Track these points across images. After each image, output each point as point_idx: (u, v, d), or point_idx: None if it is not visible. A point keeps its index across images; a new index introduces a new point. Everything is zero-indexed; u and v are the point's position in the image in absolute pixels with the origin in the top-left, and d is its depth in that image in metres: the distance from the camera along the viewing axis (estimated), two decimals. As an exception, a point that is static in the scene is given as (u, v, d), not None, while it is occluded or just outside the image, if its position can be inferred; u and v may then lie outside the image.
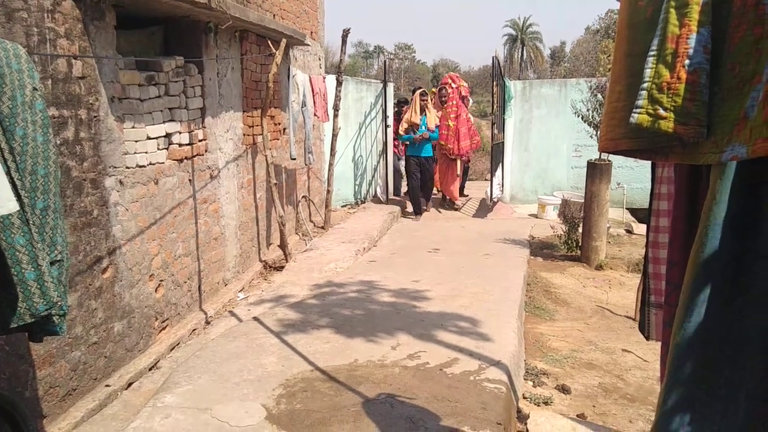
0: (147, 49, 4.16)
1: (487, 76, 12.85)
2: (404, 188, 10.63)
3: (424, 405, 2.87)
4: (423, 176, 9.09)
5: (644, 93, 1.29)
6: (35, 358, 2.87)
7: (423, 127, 8.83)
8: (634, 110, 1.31)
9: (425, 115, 8.88)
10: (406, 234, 7.87)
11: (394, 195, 10.36)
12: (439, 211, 9.43)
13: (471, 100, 10.22)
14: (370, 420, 2.72)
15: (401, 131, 9.18)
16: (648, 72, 1.29)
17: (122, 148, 3.57)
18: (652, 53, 1.29)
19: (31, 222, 2.12)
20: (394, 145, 10.19)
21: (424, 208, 9.26)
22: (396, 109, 10.14)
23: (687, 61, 1.24)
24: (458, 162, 9.44)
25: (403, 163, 10.11)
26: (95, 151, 3.31)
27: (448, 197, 9.74)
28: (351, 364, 3.36)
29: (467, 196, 10.61)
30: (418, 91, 9.20)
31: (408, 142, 9.16)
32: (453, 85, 9.49)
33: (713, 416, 1.33)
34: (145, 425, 2.68)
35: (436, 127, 8.97)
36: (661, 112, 1.27)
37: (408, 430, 2.64)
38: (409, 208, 9.54)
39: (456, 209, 9.55)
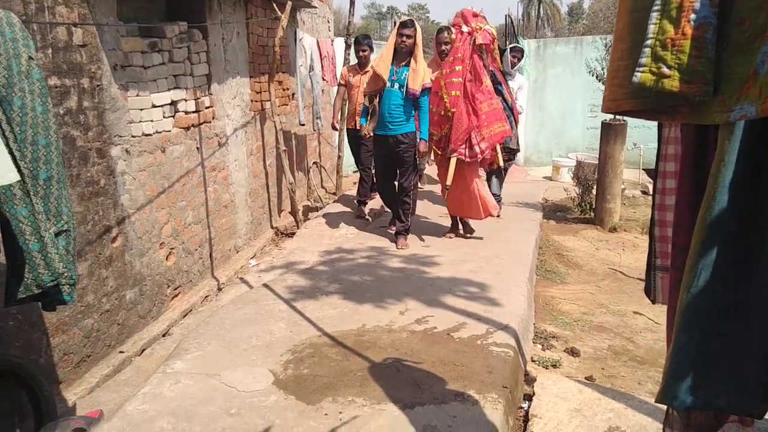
0: (149, 15, 4.10)
1: (501, 36, 8.74)
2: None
3: (430, 369, 2.89)
4: (397, 175, 5.25)
5: (647, 50, 1.23)
6: (48, 326, 2.93)
7: (395, 87, 4.93)
8: (636, 69, 1.25)
9: (406, 65, 4.90)
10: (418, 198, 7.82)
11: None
12: (449, 237, 5.45)
13: (504, 57, 5.94)
14: (377, 384, 2.75)
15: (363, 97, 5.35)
16: (651, 28, 1.22)
17: (127, 116, 3.55)
18: (656, 8, 1.22)
19: (33, 193, 2.12)
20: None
21: (399, 245, 5.13)
22: (357, 54, 6.23)
23: (692, 16, 1.18)
24: (467, 167, 5.10)
25: None
26: (100, 120, 3.30)
27: (461, 219, 5.47)
28: (359, 329, 3.38)
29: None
30: (403, 25, 4.98)
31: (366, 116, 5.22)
32: (465, 29, 5.00)
33: (720, 379, 1.31)
34: (154, 391, 2.72)
35: (425, 90, 4.87)
36: (665, 70, 1.21)
37: (414, 394, 2.66)
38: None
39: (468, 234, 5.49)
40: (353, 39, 6.66)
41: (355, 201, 6.46)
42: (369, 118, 5.20)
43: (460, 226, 5.49)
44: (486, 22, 5.10)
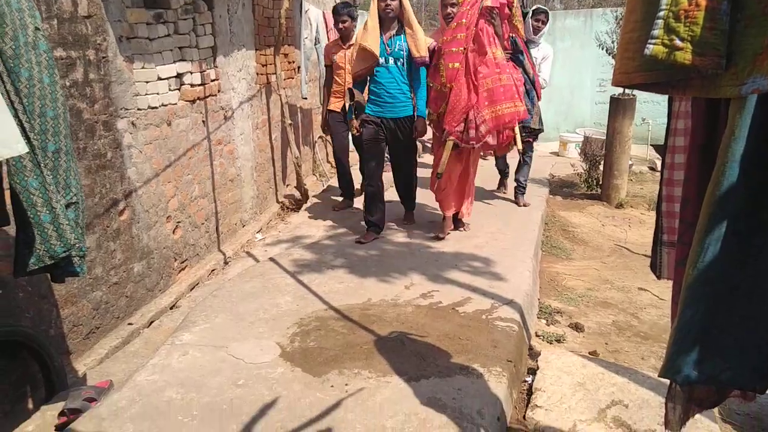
0: (154, -15, 4.05)
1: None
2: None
3: (435, 343, 2.91)
4: (395, 163, 4.84)
5: (660, 22, 1.21)
6: (58, 297, 2.96)
7: (391, 62, 4.37)
8: (649, 41, 1.23)
9: (398, 34, 4.35)
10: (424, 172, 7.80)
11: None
12: (440, 238, 4.62)
13: (525, 22, 5.33)
14: (382, 357, 2.77)
15: (351, 75, 4.70)
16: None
17: (133, 89, 3.53)
18: (670, -22, 1.20)
19: (43, 165, 2.13)
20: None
21: (404, 226, 4.93)
22: (337, 26, 5.36)
23: (707, -15, 1.15)
24: (470, 153, 4.50)
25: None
26: (106, 93, 3.29)
27: (445, 213, 4.71)
28: (364, 303, 3.40)
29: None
30: None
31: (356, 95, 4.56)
32: None
33: (724, 354, 1.32)
34: (163, 362, 2.76)
35: (425, 64, 4.38)
36: (678, 42, 1.19)
37: (419, 367, 2.69)
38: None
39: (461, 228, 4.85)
40: (331, 9, 5.71)
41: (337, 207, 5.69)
42: (356, 111, 4.56)
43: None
44: None
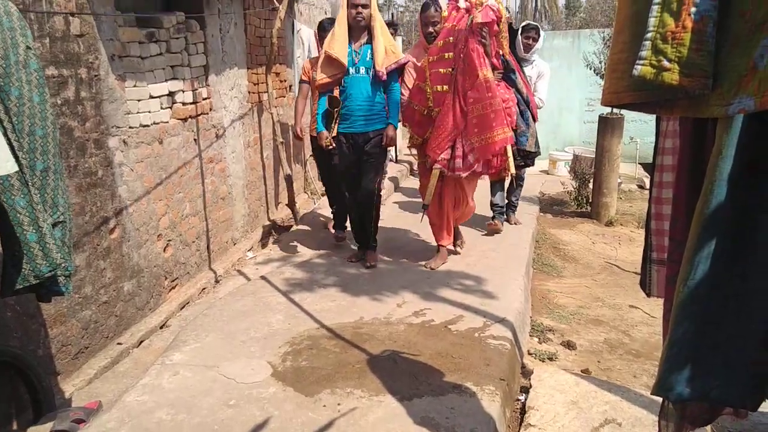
0: (146, 4, 4.08)
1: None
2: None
3: (428, 361, 2.90)
4: (355, 188, 4.28)
5: (648, 43, 1.23)
6: (46, 317, 2.92)
7: (361, 72, 4.07)
8: (637, 62, 1.25)
9: (368, 43, 4.07)
10: (414, 194, 7.83)
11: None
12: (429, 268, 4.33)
13: (516, 41, 5.10)
14: (374, 376, 2.76)
15: (316, 84, 4.22)
16: (652, 21, 1.23)
17: (125, 107, 3.54)
18: (656, 0, 1.22)
19: (31, 183, 2.12)
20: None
21: (370, 260, 4.38)
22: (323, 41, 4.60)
23: (693, 9, 1.18)
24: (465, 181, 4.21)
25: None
26: (97, 111, 3.29)
27: (438, 243, 4.43)
28: (356, 321, 3.39)
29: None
30: None
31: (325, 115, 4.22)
32: (462, 4, 3.94)
33: (715, 371, 1.32)
34: (153, 382, 2.73)
35: (395, 71, 4.08)
36: (665, 63, 1.22)
37: (411, 386, 2.67)
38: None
39: (456, 250, 4.64)
40: (317, 24, 5.35)
41: (333, 231, 5.15)
42: (333, 122, 4.17)
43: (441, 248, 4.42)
44: None
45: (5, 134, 2.02)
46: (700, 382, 1.34)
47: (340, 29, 4.03)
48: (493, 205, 5.35)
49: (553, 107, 10.34)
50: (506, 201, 5.57)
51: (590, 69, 7.69)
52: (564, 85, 10.27)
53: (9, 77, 2.04)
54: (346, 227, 5.00)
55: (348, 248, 4.83)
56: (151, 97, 3.80)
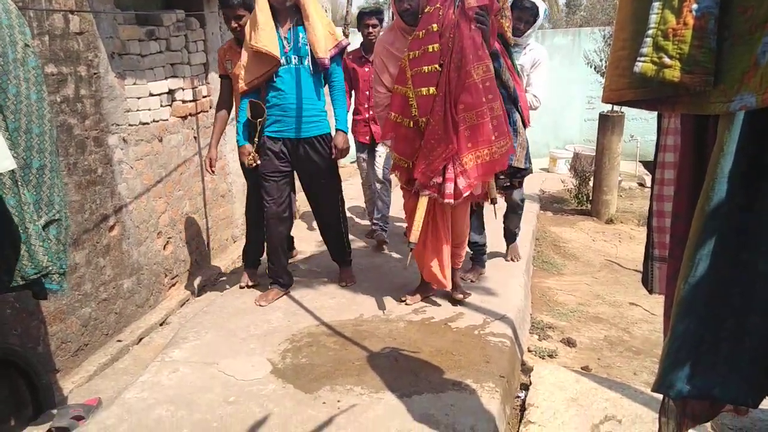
0: (146, 2, 4.07)
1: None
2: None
3: (427, 358, 2.90)
4: (312, 201, 3.70)
5: (649, 40, 1.23)
6: (46, 314, 2.93)
7: (294, 62, 3.29)
8: (638, 59, 1.25)
9: (298, 24, 3.28)
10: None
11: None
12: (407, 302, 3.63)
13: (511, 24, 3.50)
14: (374, 373, 2.76)
15: (241, 84, 3.30)
16: (653, 18, 1.22)
17: (124, 105, 3.53)
18: (658, -3, 1.22)
19: (26, 182, 2.11)
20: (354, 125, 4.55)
21: (348, 280, 3.88)
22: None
23: (694, 6, 1.17)
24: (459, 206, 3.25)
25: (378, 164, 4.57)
26: (97, 109, 3.28)
27: (423, 275, 3.52)
28: (356, 318, 3.39)
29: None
30: None
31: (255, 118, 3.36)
32: None
33: (716, 368, 1.32)
34: (153, 379, 2.73)
35: (337, 55, 3.37)
36: (666, 60, 1.21)
37: (411, 383, 2.67)
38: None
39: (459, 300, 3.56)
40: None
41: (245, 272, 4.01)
42: (256, 133, 3.36)
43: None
44: None
45: (2, 131, 2.02)
46: (701, 379, 1.34)
47: (263, 15, 3.16)
48: (471, 244, 3.90)
49: (553, 105, 10.34)
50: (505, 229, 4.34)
51: (591, 67, 7.69)
52: (564, 83, 10.26)
53: (7, 75, 2.04)
54: (260, 261, 4.05)
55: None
56: (151, 94, 3.80)
